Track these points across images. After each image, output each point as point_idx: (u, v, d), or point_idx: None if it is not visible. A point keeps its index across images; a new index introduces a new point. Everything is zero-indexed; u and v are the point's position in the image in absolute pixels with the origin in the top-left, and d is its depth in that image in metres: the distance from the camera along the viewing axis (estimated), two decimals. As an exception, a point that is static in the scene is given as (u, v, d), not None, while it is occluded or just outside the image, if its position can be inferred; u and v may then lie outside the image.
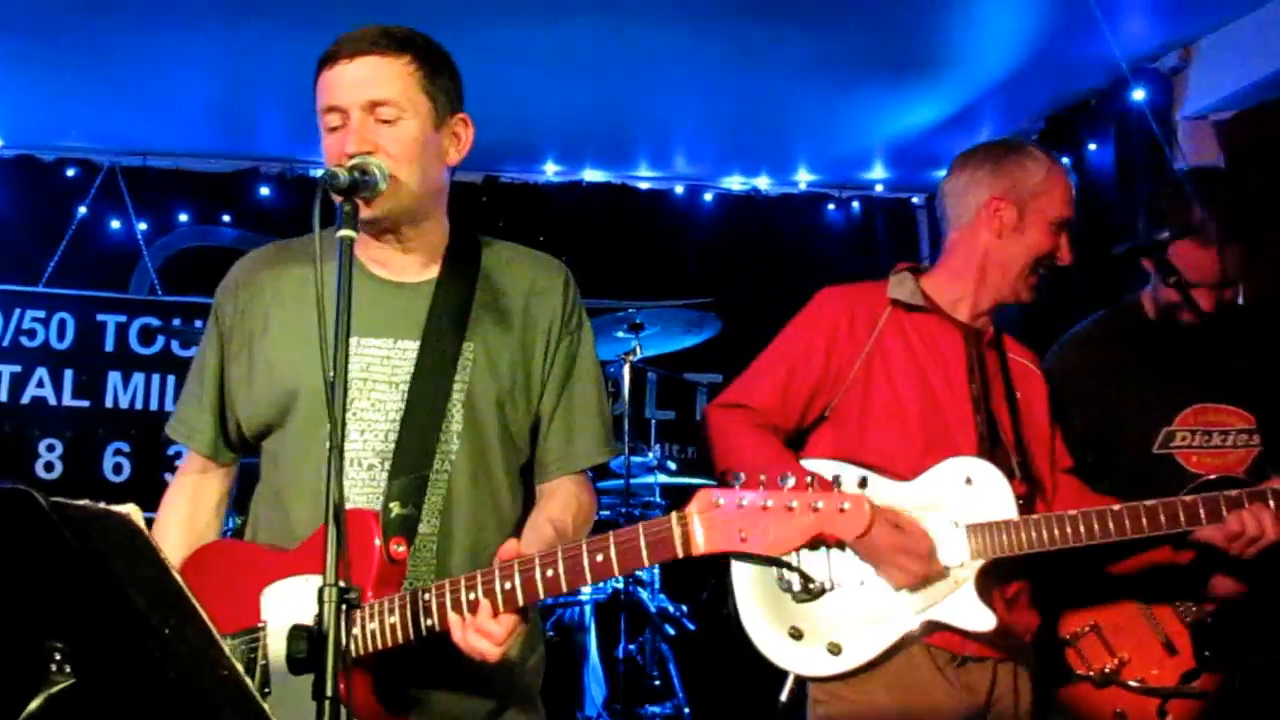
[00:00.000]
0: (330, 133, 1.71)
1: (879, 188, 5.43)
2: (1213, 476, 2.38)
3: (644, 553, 1.46)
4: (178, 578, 1.29)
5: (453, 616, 1.55)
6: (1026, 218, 2.20)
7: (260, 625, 1.68)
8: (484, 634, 1.54)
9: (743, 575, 2.24)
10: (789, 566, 2.13)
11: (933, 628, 2.06)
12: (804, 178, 5.37)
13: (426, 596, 1.58)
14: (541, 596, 1.53)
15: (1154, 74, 3.90)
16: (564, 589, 1.51)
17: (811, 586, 2.12)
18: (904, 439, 2.13)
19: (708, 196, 5.35)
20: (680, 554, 1.42)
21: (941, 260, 2.31)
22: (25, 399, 4.82)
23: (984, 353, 2.24)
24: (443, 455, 1.75)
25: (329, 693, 1.31)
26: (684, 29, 3.82)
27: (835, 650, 2.09)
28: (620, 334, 4.07)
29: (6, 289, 4.88)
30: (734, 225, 5.32)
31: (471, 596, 1.54)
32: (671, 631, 3.92)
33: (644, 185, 5.34)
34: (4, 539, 1.25)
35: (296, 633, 1.45)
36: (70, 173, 5.00)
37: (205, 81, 4.33)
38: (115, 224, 5.03)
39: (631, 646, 3.85)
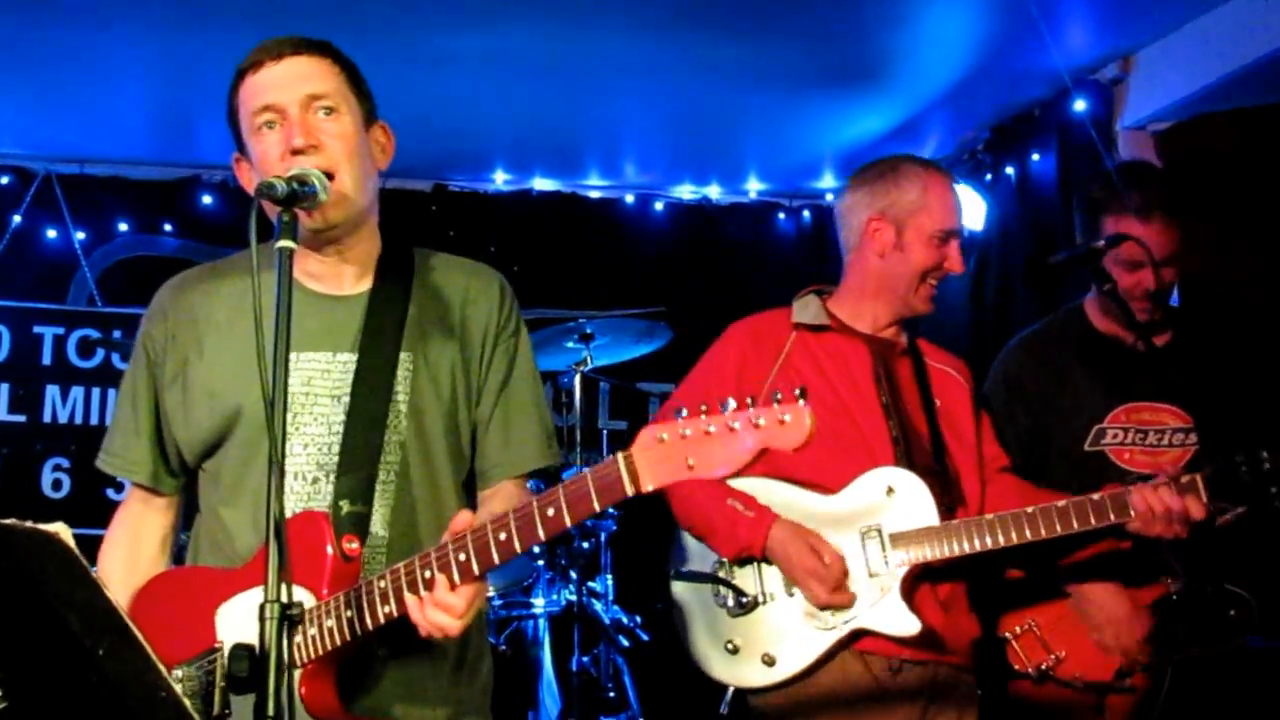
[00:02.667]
0: (264, 134, 1.70)
1: (829, 196, 5.47)
2: (1137, 473, 2.43)
3: (594, 498, 1.44)
4: (111, 598, 1.26)
5: (409, 597, 1.55)
6: (905, 235, 2.28)
7: (217, 646, 1.66)
8: (443, 608, 1.53)
9: (682, 593, 2.29)
10: (724, 583, 2.17)
11: (862, 634, 2.11)
12: (754, 186, 5.40)
13: (382, 584, 1.58)
14: (497, 562, 1.52)
15: (1095, 85, 3.98)
16: (518, 549, 1.51)
17: (744, 600, 2.18)
18: (823, 453, 2.16)
19: (658, 205, 5.36)
20: (629, 492, 1.41)
21: (842, 281, 2.39)
22: (-42, 414, 4.70)
23: (893, 363, 2.31)
24: (389, 465, 1.74)
25: (270, 712, 1.29)
26: (634, 38, 3.82)
27: (770, 662, 2.13)
28: (571, 344, 4.06)
29: (-62, 301, 4.75)
30: (685, 234, 5.33)
31: (427, 574, 1.54)
32: (626, 643, 3.91)
33: (594, 194, 5.33)
34: None
35: (237, 652, 1.44)
36: (3, 180, 4.87)
37: (144, 86, 4.25)
38: (52, 233, 4.90)
39: (585, 659, 3.82)
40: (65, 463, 4.77)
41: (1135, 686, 2.32)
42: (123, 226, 4.99)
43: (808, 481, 2.19)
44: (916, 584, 2.14)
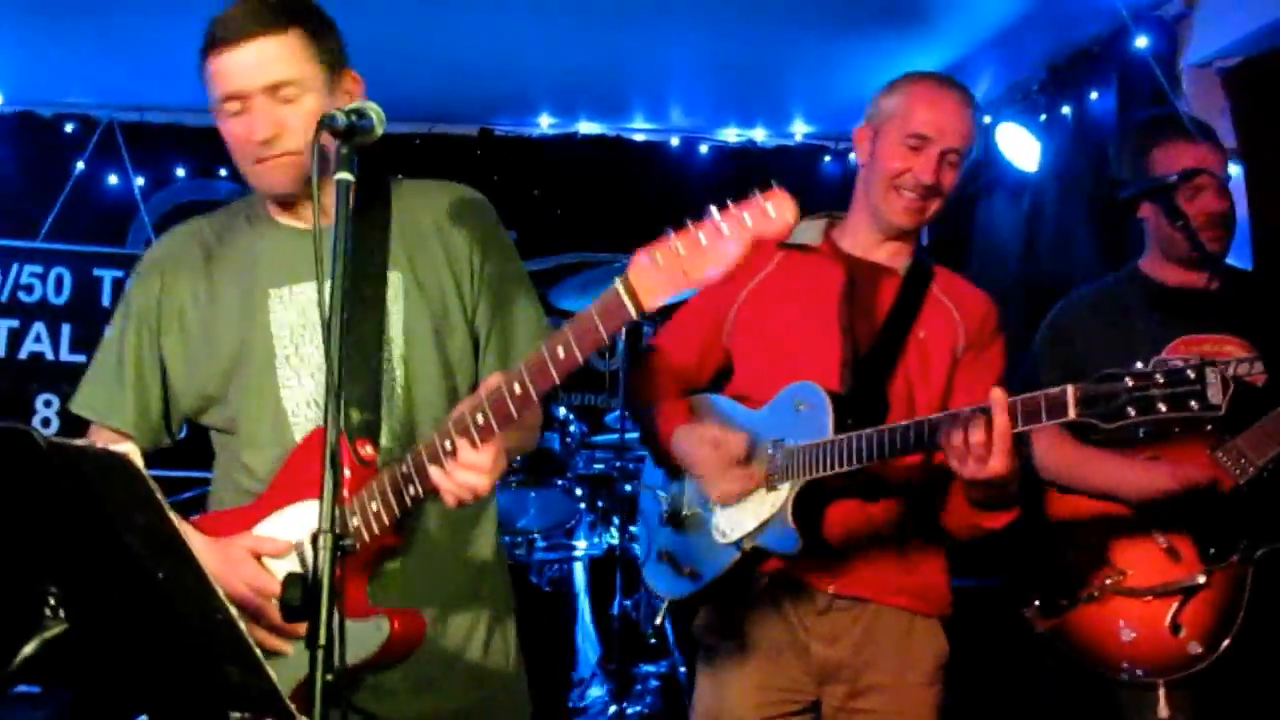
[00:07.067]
0: (232, 118, 1.71)
1: (877, 139, 5.37)
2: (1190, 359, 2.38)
3: (599, 325, 1.45)
4: (174, 521, 1.28)
5: (433, 470, 1.58)
6: (879, 141, 2.20)
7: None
8: (469, 467, 1.56)
9: (641, 500, 2.33)
10: (656, 493, 2.18)
11: (761, 554, 2.04)
12: (800, 129, 5.31)
13: (404, 468, 1.61)
14: (514, 415, 1.54)
15: (1157, 20, 3.82)
16: (534, 397, 1.52)
17: (670, 513, 2.19)
18: (769, 370, 2.15)
19: (703, 148, 5.30)
20: (633, 312, 1.42)
21: None
22: (23, 354, 4.83)
23: (876, 285, 2.20)
24: (391, 381, 1.76)
25: (322, 641, 1.32)
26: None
27: (694, 576, 2.13)
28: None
29: (5, 244, 4.86)
30: (730, 177, 5.26)
31: (448, 445, 1.57)
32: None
33: (639, 138, 5.29)
34: (2, 478, 1.25)
35: (291, 579, 1.45)
36: (68, 128, 4.97)
37: (201, 34, 4.27)
38: (113, 179, 5.01)
39: (627, 603, 3.81)
40: (125, 402, 4.90)
41: (1210, 584, 2.24)
42: (180, 172, 5.08)
43: (748, 397, 2.17)
44: (809, 503, 2.02)
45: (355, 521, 1.64)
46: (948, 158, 2.15)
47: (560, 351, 1.48)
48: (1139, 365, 1.64)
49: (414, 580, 1.76)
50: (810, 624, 2.09)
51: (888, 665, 2.09)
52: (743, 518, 2.05)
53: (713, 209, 1.40)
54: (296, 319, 1.77)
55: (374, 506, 1.64)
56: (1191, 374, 1.60)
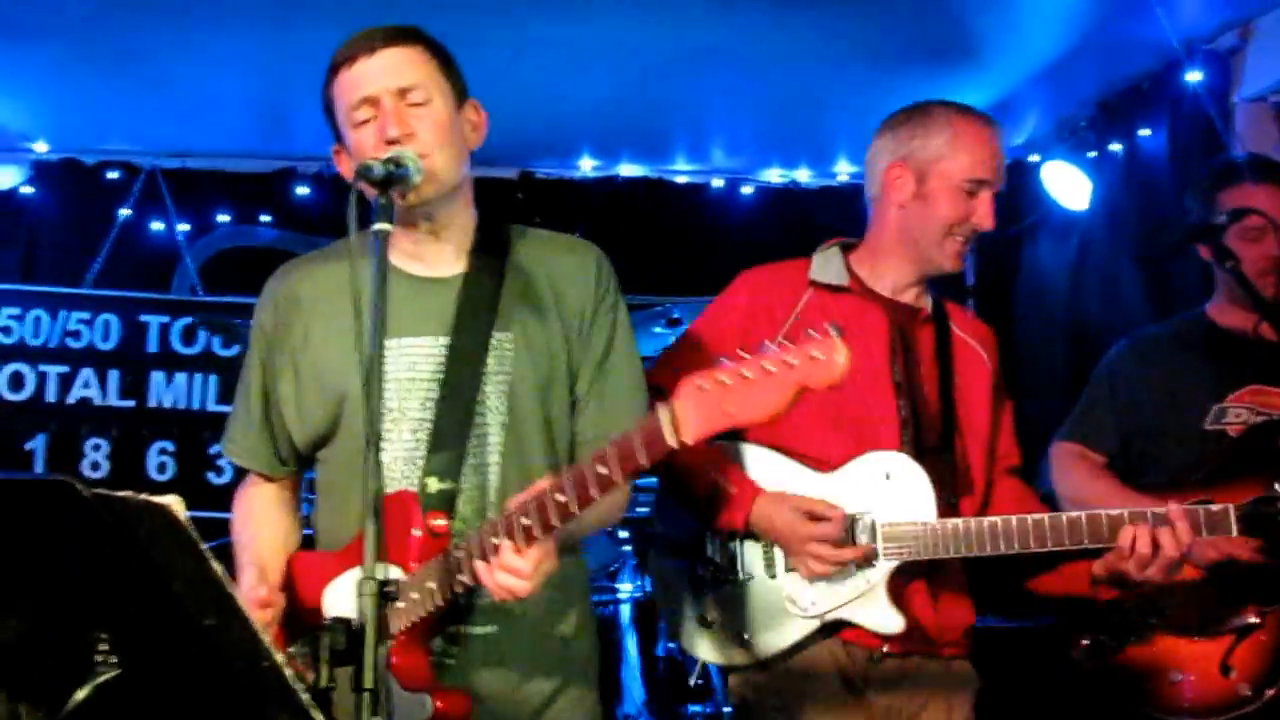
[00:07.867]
0: (361, 127, 1.74)
1: (921, 179, 5.34)
2: (1261, 420, 2.33)
3: (639, 451, 1.44)
4: (219, 570, 1.29)
5: (478, 565, 1.57)
6: (927, 184, 2.11)
7: (325, 624, 1.67)
8: (510, 571, 1.55)
9: (660, 564, 2.23)
10: (703, 558, 2.11)
11: (842, 625, 2.01)
12: (844, 169, 5.29)
13: (458, 554, 1.61)
14: (556, 524, 1.53)
15: (1210, 55, 3.78)
16: (575, 510, 1.52)
17: (721, 576, 2.10)
18: (824, 427, 2.06)
19: (746, 190, 5.29)
20: (672, 443, 1.40)
21: (866, 234, 2.24)
22: (72, 399, 4.87)
23: (914, 332, 2.15)
24: (489, 445, 1.75)
25: (368, 684, 1.32)
26: (721, 20, 3.78)
27: (743, 643, 2.06)
28: (658, 329, 4.05)
29: (52, 291, 4.94)
30: (773, 218, 5.25)
31: (494, 541, 1.56)
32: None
33: (681, 179, 5.29)
34: (49, 529, 1.26)
35: (335, 625, 1.46)
36: (112, 175, 5.04)
37: (243, 82, 4.36)
38: (157, 225, 5.07)
39: (672, 645, 3.80)
40: (170, 446, 4.88)
41: (1264, 626, 2.17)
42: (222, 218, 5.13)
43: (804, 456, 2.07)
44: (907, 575, 2.03)
45: (415, 595, 1.62)
46: (998, 199, 2.14)
47: (601, 470, 1.48)
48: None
49: (499, 645, 1.75)
50: (868, 673, 2.05)
51: (939, 705, 2.08)
52: (825, 592, 2.01)
53: (767, 345, 1.37)
54: (405, 372, 1.76)
55: (431, 585, 1.62)
56: None
